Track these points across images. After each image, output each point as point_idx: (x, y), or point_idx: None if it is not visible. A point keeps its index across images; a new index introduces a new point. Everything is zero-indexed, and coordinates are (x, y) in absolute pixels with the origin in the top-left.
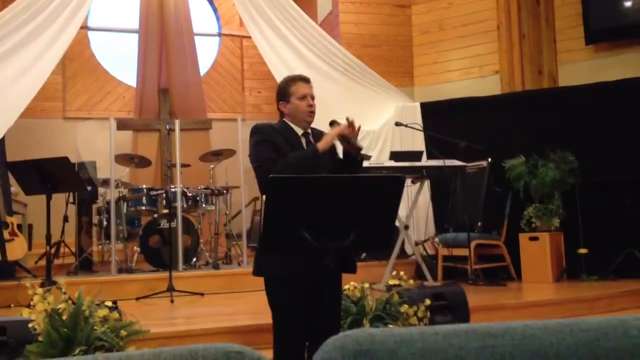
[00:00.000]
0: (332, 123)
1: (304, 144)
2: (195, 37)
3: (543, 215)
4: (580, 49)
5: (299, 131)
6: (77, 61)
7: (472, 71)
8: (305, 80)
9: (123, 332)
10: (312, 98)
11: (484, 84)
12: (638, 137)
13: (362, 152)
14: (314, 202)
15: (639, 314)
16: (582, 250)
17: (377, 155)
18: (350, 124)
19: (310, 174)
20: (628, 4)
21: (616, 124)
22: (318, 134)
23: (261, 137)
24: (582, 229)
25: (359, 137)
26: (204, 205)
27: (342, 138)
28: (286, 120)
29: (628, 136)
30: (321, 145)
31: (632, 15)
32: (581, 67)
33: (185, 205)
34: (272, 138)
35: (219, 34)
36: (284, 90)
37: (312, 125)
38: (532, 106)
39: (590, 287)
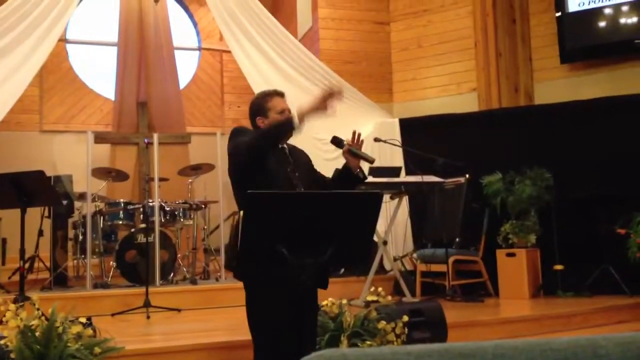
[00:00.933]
0: (335, 140)
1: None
2: (175, 51)
3: (520, 232)
4: (556, 68)
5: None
6: (55, 73)
7: (450, 88)
8: (281, 94)
9: (97, 349)
10: (290, 112)
11: (461, 100)
12: (612, 154)
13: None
14: (292, 218)
15: (613, 331)
16: (558, 267)
17: None
18: (356, 137)
19: (287, 189)
20: (602, 24)
21: (590, 141)
22: (294, 150)
23: (243, 135)
24: (557, 245)
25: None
26: (182, 220)
27: (349, 152)
28: None
29: (602, 154)
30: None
31: (606, 36)
32: (556, 85)
33: (163, 220)
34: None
35: (199, 48)
36: (260, 106)
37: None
38: (508, 123)
39: (566, 304)
